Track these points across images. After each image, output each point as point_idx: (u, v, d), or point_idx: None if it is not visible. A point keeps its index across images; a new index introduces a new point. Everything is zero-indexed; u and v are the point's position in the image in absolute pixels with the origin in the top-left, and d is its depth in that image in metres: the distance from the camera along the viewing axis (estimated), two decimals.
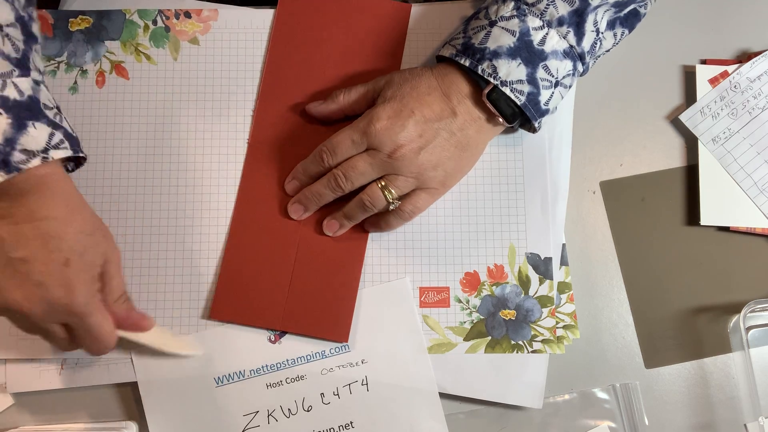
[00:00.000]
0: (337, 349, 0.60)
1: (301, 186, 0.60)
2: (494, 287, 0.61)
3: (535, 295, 0.61)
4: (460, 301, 0.61)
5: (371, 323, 0.60)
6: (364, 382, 0.59)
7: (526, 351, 0.60)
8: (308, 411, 0.59)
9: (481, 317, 0.60)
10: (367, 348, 0.60)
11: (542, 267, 0.61)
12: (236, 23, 0.64)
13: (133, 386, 0.60)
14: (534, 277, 0.61)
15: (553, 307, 0.60)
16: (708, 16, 0.67)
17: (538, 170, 0.62)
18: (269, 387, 0.59)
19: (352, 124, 0.57)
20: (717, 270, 0.63)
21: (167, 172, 0.62)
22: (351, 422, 0.59)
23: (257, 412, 0.59)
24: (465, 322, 0.60)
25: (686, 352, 0.62)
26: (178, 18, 0.64)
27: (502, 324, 0.60)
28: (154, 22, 0.64)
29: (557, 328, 0.60)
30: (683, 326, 0.62)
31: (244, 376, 0.59)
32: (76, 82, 0.63)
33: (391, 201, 0.56)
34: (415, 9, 0.65)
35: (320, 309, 0.59)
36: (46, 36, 0.63)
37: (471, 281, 0.61)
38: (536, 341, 0.60)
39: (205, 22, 0.64)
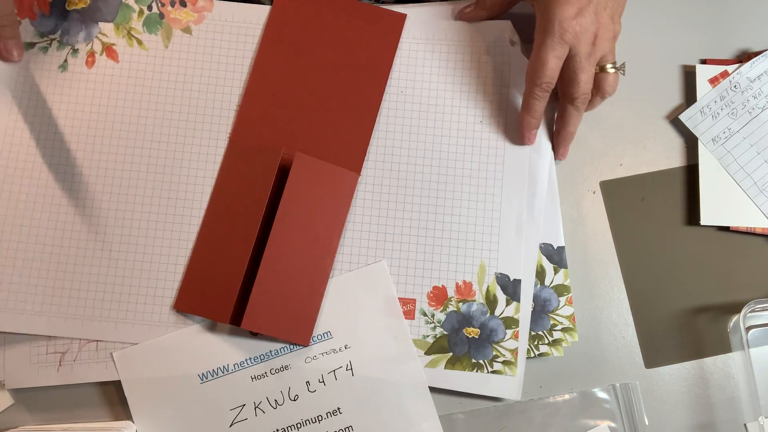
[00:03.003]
0: (319, 337, 0.60)
1: (537, 129, 0.62)
2: (461, 304, 0.61)
3: (501, 316, 0.60)
4: (425, 315, 0.60)
5: (351, 308, 0.60)
6: (349, 367, 0.59)
7: (486, 371, 0.60)
8: (295, 400, 0.59)
9: (445, 333, 0.60)
10: (349, 333, 0.60)
11: (510, 288, 0.61)
12: (231, 17, 0.64)
13: None
14: (501, 297, 0.61)
15: (516, 330, 0.60)
16: (708, 16, 0.67)
17: (517, 191, 0.62)
18: (254, 379, 0.59)
19: (544, 42, 0.57)
20: (717, 270, 0.63)
21: (146, 158, 0.62)
22: (338, 408, 0.59)
23: (244, 405, 0.59)
24: (428, 336, 0.60)
25: (686, 352, 0.62)
26: (173, 6, 0.64)
27: (464, 341, 0.60)
28: (150, 8, 0.64)
29: (554, 330, 0.60)
30: (683, 326, 0.62)
31: (228, 371, 0.59)
32: (66, 61, 0.63)
33: (622, 71, 0.59)
34: (410, 16, 0.64)
35: (285, 310, 0.59)
36: (42, 12, 0.64)
37: (438, 295, 0.61)
38: (497, 362, 0.60)
39: (200, 12, 0.65)
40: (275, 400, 0.59)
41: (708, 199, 0.63)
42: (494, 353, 0.60)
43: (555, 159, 0.63)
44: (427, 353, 0.60)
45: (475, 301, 0.61)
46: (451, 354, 0.60)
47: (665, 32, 0.67)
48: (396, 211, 0.62)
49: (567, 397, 0.61)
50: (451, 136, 0.63)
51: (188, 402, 0.59)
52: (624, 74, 0.60)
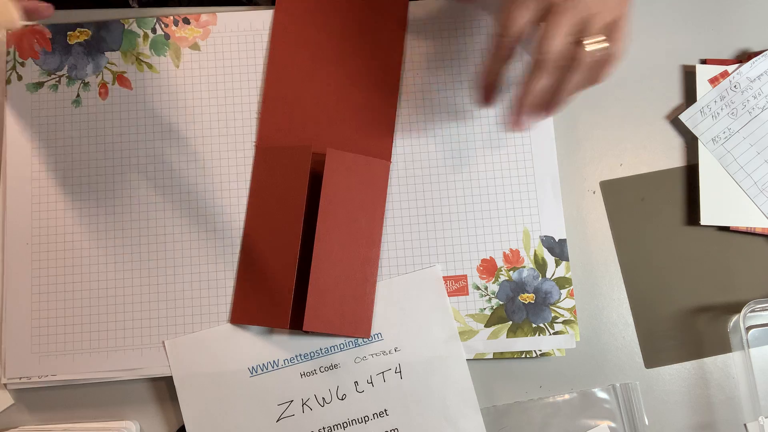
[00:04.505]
0: (370, 338, 0.60)
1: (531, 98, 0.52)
2: (511, 272, 0.61)
3: (553, 277, 0.61)
4: (478, 288, 0.61)
5: (403, 311, 0.60)
6: (398, 370, 0.60)
7: (547, 333, 0.60)
8: (342, 399, 0.59)
9: (501, 303, 0.61)
10: (399, 336, 0.60)
11: (557, 249, 0.61)
12: (236, 26, 0.64)
13: (134, 385, 0.60)
14: (550, 259, 0.61)
15: (572, 288, 0.61)
16: (708, 16, 0.67)
17: (545, 151, 0.63)
18: (303, 376, 0.60)
19: None
20: (717, 270, 0.63)
21: (177, 179, 0.62)
22: (385, 410, 0.59)
23: (291, 401, 0.59)
24: (485, 309, 0.61)
25: (686, 352, 0.62)
26: (177, 25, 0.64)
27: (521, 308, 0.61)
28: (153, 30, 0.64)
29: (556, 323, 0.61)
30: (683, 326, 0.62)
31: (278, 366, 0.60)
32: (78, 95, 0.63)
33: (606, 48, 0.49)
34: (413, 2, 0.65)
35: (342, 307, 0.60)
36: (45, 50, 0.63)
37: (488, 267, 0.61)
38: (557, 323, 0.60)
39: (205, 27, 0.64)
40: (323, 398, 0.59)
41: (708, 199, 0.63)
42: (553, 315, 0.60)
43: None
44: (486, 326, 0.60)
45: (524, 267, 0.61)
46: (510, 323, 0.60)
47: (665, 32, 0.67)
48: (432, 192, 0.62)
49: (567, 397, 0.61)
50: (474, 111, 0.64)
51: (237, 395, 0.59)
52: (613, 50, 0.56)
